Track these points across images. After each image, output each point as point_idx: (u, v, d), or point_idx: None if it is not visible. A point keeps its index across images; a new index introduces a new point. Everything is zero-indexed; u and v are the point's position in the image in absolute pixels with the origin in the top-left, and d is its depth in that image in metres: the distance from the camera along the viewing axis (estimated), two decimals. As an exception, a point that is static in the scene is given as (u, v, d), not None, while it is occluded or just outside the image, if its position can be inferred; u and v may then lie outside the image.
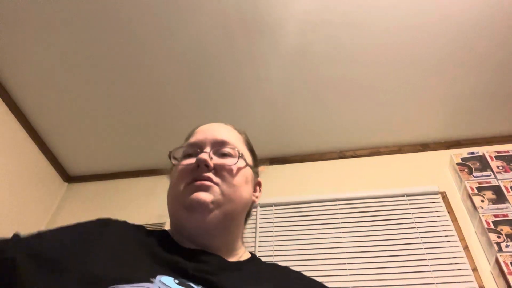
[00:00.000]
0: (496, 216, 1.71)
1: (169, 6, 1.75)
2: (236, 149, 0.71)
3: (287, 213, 2.00)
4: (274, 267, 0.71)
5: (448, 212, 1.84)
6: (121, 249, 0.57)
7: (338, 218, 1.92)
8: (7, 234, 0.56)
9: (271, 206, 2.02)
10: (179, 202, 0.66)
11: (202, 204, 0.63)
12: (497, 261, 1.58)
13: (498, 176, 1.85)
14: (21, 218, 2.12)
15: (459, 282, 1.62)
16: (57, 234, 0.59)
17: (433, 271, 1.67)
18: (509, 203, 1.74)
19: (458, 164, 1.93)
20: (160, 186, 2.33)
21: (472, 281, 1.61)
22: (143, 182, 2.37)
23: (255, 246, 1.88)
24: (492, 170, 1.87)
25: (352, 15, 1.74)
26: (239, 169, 0.70)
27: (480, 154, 1.95)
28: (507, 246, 1.61)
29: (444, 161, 2.04)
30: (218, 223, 0.65)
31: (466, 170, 1.90)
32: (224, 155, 0.70)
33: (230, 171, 0.68)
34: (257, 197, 0.76)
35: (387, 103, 2.03)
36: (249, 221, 0.75)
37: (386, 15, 1.73)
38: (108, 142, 2.31)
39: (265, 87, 2.00)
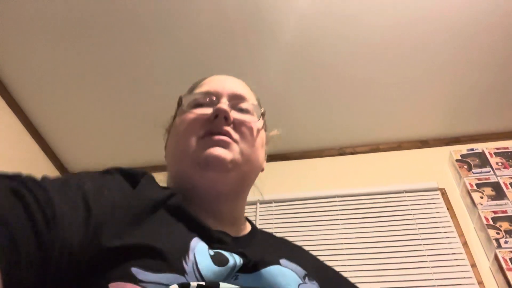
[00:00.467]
0: (495, 212, 1.71)
1: (169, 3, 1.75)
2: (256, 107, 0.63)
3: (287, 209, 2.00)
4: (275, 238, 0.67)
5: (447, 208, 1.84)
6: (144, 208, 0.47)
7: (337, 215, 1.92)
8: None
9: (271, 202, 2.03)
10: (190, 158, 0.56)
11: (220, 162, 0.54)
12: (496, 257, 1.59)
13: (497, 172, 1.85)
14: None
15: (458, 278, 1.63)
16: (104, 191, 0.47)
17: (432, 267, 1.67)
18: (508, 199, 1.75)
19: (457, 160, 1.93)
20: (162, 182, 2.33)
21: (471, 277, 1.62)
22: (142, 179, 2.37)
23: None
24: (491, 167, 1.87)
25: (352, 11, 1.73)
26: (258, 129, 0.62)
27: (480, 150, 1.95)
28: (506, 242, 1.61)
29: (443, 157, 2.05)
30: (233, 186, 0.58)
31: (465, 166, 1.90)
32: (242, 111, 0.61)
33: (250, 129, 0.60)
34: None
35: (387, 99, 2.03)
36: (249, 219, 0.70)
37: (386, 11, 1.73)
38: (108, 139, 2.31)
39: (264, 83, 1.99)
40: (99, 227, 0.41)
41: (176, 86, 2.03)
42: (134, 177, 0.53)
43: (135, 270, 0.38)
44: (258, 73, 1.96)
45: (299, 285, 0.51)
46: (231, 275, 0.45)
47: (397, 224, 1.84)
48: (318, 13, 1.75)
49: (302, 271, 0.54)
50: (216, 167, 0.55)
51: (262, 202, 2.03)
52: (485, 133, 2.12)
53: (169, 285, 0.38)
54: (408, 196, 1.92)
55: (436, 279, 1.63)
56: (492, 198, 1.76)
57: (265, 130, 0.68)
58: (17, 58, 1.98)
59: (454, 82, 1.94)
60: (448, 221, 1.80)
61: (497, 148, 1.94)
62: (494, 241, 1.62)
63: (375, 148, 2.20)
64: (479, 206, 1.74)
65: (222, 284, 0.41)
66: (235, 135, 0.58)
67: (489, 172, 1.86)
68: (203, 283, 0.40)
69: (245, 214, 0.67)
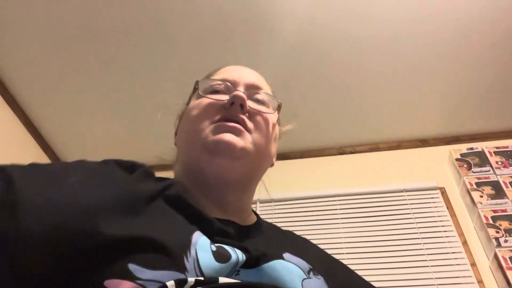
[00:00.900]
0: (495, 211, 1.71)
1: (169, 2, 1.74)
2: (273, 98, 0.62)
3: (287, 209, 2.00)
4: (280, 230, 0.66)
5: (447, 208, 1.84)
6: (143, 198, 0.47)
7: (337, 214, 1.93)
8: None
9: (271, 202, 2.03)
10: (200, 141, 0.55)
11: (230, 148, 0.53)
12: (495, 256, 1.59)
13: (497, 171, 1.85)
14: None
15: (458, 277, 1.63)
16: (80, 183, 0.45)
17: (432, 266, 1.67)
18: (508, 198, 1.75)
19: (457, 159, 1.94)
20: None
21: (470, 276, 1.62)
22: (142, 179, 2.37)
23: (254, 242, 1.89)
24: (491, 166, 1.87)
25: (352, 9, 1.73)
26: (273, 122, 0.61)
27: (479, 149, 1.95)
28: (505, 241, 1.61)
29: (443, 156, 2.05)
30: (241, 176, 0.56)
31: (465, 165, 1.90)
32: (258, 102, 0.60)
33: (266, 120, 0.58)
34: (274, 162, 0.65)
35: (387, 99, 2.03)
36: (255, 211, 0.68)
37: (386, 11, 1.73)
38: (108, 138, 2.31)
39: (264, 83, 2.00)
40: (93, 218, 0.40)
41: (176, 85, 2.03)
42: (130, 168, 0.53)
43: (132, 267, 0.37)
44: (258, 71, 1.96)
45: (303, 280, 0.49)
46: (233, 272, 0.44)
47: (397, 223, 1.84)
48: (318, 12, 1.75)
49: (306, 266, 0.52)
50: (226, 153, 0.53)
51: (262, 201, 2.03)
52: (484, 132, 2.12)
53: (167, 282, 0.37)
54: (408, 195, 1.92)
55: (436, 278, 1.64)
56: (492, 197, 1.76)
57: (279, 124, 0.67)
58: (17, 57, 1.97)
59: (454, 81, 1.94)
60: (448, 220, 1.80)
61: (497, 147, 1.94)
62: (493, 240, 1.62)
63: (375, 147, 2.20)
64: (478, 205, 1.74)
65: (221, 279, 0.40)
66: (250, 124, 0.56)
67: (488, 171, 1.86)
68: (201, 279, 0.39)
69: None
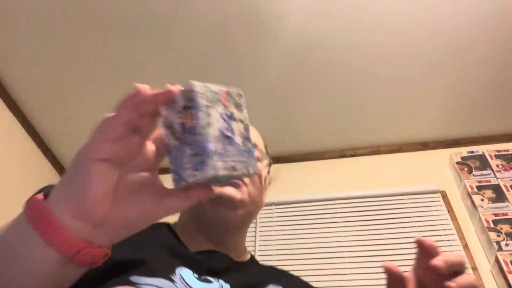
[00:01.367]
0: (495, 215, 1.71)
1: (169, 3, 1.75)
2: (264, 155, 0.72)
3: (287, 212, 2.00)
4: (274, 268, 0.72)
5: (448, 211, 1.84)
6: (138, 238, 0.56)
7: (338, 217, 1.92)
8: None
9: (271, 205, 2.03)
10: None
11: (231, 200, 0.62)
12: (496, 260, 1.59)
13: (498, 175, 1.85)
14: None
15: (459, 280, 1.62)
16: None
17: (433, 269, 1.67)
18: (509, 202, 1.74)
19: (458, 163, 1.93)
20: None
21: (471, 280, 1.61)
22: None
23: (255, 245, 1.88)
24: (492, 169, 1.87)
25: (353, 11, 1.73)
26: (264, 175, 0.71)
27: (480, 153, 1.95)
28: (506, 244, 1.61)
29: (444, 160, 2.05)
30: (239, 223, 0.66)
31: (466, 169, 1.90)
32: None
33: (259, 174, 0.69)
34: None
35: (387, 102, 2.03)
36: (250, 251, 0.77)
37: (386, 11, 1.73)
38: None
39: (263, 85, 2.00)
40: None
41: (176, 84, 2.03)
42: None
43: (133, 278, 0.47)
44: (259, 76, 1.97)
45: None
46: None
47: (397, 226, 1.84)
48: (318, 14, 1.75)
49: None
50: (227, 204, 0.62)
51: (262, 205, 2.03)
52: (485, 136, 2.12)
53: None
54: (408, 199, 1.92)
55: (436, 282, 1.63)
56: (493, 200, 1.76)
57: (268, 174, 0.78)
58: (15, 57, 1.98)
59: (454, 84, 1.94)
60: (449, 224, 1.80)
61: (498, 151, 1.94)
62: (494, 244, 1.62)
63: (376, 150, 2.20)
64: (479, 209, 1.74)
65: None
66: (246, 179, 0.66)
67: (489, 174, 1.86)
68: None
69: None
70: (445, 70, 1.89)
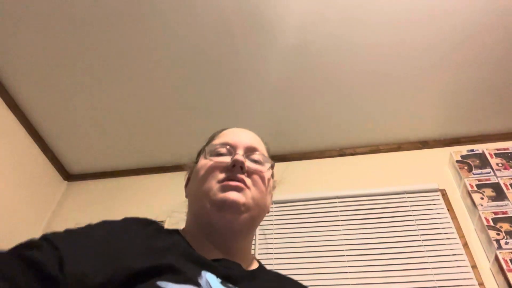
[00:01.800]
0: (495, 213, 1.71)
1: (169, 3, 1.75)
2: (266, 158, 0.74)
3: (287, 211, 2.00)
4: (282, 275, 0.74)
5: (448, 210, 1.84)
6: (156, 246, 0.58)
7: (338, 216, 1.92)
8: (6, 233, 0.57)
9: (271, 204, 2.02)
10: (208, 199, 0.65)
11: (235, 205, 0.63)
12: (496, 258, 1.59)
13: (498, 173, 1.85)
14: (20, 217, 2.12)
15: (459, 279, 1.62)
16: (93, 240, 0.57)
17: (432, 268, 1.67)
18: (509, 200, 1.74)
19: (457, 161, 1.93)
20: (161, 184, 2.33)
21: (471, 278, 1.61)
22: (144, 181, 2.37)
23: (255, 244, 1.88)
24: (491, 168, 1.87)
25: (352, 11, 1.73)
26: (268, 178, 0.72)
27: (480, 151, 1.95)
28: (506, 243, 1.61)
29: (443, 158, 2.05)
30: (245, 227, 0.66)
31: (465, 167, 1.90)
32: (254, 162, 0.71)
33: (262, 178, 0.70)
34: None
35: (387, 100, 2.03)
36: (257, 258, 0.77)
37: (385, 10, 1.73)
38: (108, 140, 2.31)
39: (264, 84, 2.00)
40: (123, 262, 0.52)
41: (176, 87, 2.04)
42: (145, 224, 0.64)
43: (160, 283, 0.48)
44: (259, 75, 1.96)
45: None
46: None
47: (397, 225, 1.83)
48: (318, 13, 1.75)
49: None
50: (231, 209, 0.63)
51: (262, 203, 2.03)
52: (485, 134, 2.12)
53: None
54: (408, 197, 1.92)
55: (436, 280, 1.63)
56: (493, 199, 1.76)
57: (273, 178, 0.79)
58: (15, 57, 1.98)
59: (454, 83, 1.94)
60: (449, 222, 1.80)
61: (497, 149, 1.94)
62: (494, 242, 1.62)
63: (375, 149, 2.20)
64: (479, 207, 1.74)
65: None
66: (248, 182, 0.67)
67: (489, 173, 1.86)
68: None
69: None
70: (444, 68, 1.89)
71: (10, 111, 2.12)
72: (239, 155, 0.68)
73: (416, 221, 1.83)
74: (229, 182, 0.65)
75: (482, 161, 1.91)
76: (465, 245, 1.71)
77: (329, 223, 1.91)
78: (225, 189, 0.65)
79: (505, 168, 1.86)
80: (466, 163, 1.91)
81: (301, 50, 1.87)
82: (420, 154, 2.13)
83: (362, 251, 1.78)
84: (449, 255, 1.70)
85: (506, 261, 1.56)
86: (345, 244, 1.81)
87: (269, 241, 1.90)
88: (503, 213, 1.71)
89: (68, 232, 0.56)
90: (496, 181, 1.82)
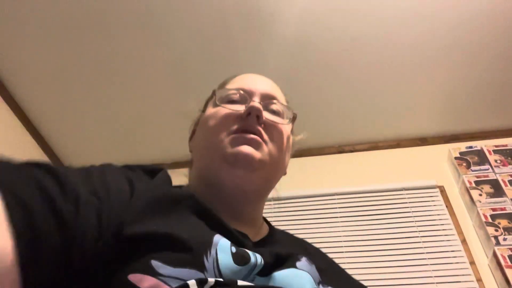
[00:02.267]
0: (494, 209, 1.71)
1: (168, 2, 1.74)
2: (287, 109, 0.63)
3: (286, 207, 2.00)
4: (296, 237, 0.67)
5: (446, 206, 1.84)
6: (161, 201, 0.48)
7: (337, 212, 1.93)
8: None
9: (270, 200, 2.03)
10: (218, 153, 0.56)
11: (249, 160, 0.54)
12: (494, 254, 1.59)
13: (496, 170, 1.85)
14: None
15: (457, 275, 1.63)
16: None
17: (431, 264, 1.68)
18: (507, 196, 1.75)
19: (456, 158, 1.94)
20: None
21: (469, 274, 1.62)
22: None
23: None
24: (490, 164, 1.88)
25: (351, 7, 1.73)
26: (287, 133, 0.62)
27: (478, 148, 1.95)
28: (504, 239, 1.62)
29: (442, 155, 2.05)
30: (258, 187, 0.58)
31: (464, 164, 1.90)
32: (273, 112, 0.61)
33: (280, 132, 0.59)
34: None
35: (385, 97, 2.03)
36: (266, 219, 0.70)
37: (384, 8, 1.72)
38: (108, 138, 2.30)
39: (263, 82, 1.99)
40: (120, 216, 0.42)
41: (175, 84, 2.03)
42: (152, 172, 0.54)
43: (155, 263, 0.39)
44: (257, 70, 1.96)
45: None
46: (249, 276, 0.45)
47: (396, 221, 1.84)
48: (317, 10, 1.74)
49: (317, 276, 0.53)
50: (244, 165, 0.54)
51: (261, 200, 2.03)
52: (484, 131, 2.12)
53: (188, 280, 0.38)
54: (407, 194, 1.92)
55: (435, 277, 1.64)
56: (491, 195, 1.76)
57: (292, 134, 0.68)
58: (15, 55, 1.97)
59: (453, 79, 1.94)
60: (447, 219, 1.80)
61: (496, 146, 1.94)
62: (492, 239, 1.62)
63: (374, 146, 2.20)
64: (478, 204, 1.74)
65: (240, 282, 0.41)
66: (265, 136, 0.57)
67: (488, 169, 1.86)
68: (221, 280, 0.40)
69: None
70: (443, 65, 1.89)
71: (11, 111, 2.12)
72: (256, 103, 0.57)
73: (415, 217, 1.83)
74: (243, 133, 0.55)
75: (481, 157, 1.91)
76: (464, 241, 1.72)
77: (328, 219, 1.91)
78: (238, 141, 0.55)
79: (503, 165, 1.87)
80: (464, 160, 1.92)
81: (299, 46, 1.86)
82: (419, 150, 2.13)
83: (360, 248, 1.78)
84: (447, 251, 1.71)
85: (504, 257, 1.57)
86: (344, 241, 1.82)
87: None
88: (501, 209, 1.71)
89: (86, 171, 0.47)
90: (495, 177, 1.83)
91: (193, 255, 0.41)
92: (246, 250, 0.46)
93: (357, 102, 2.05)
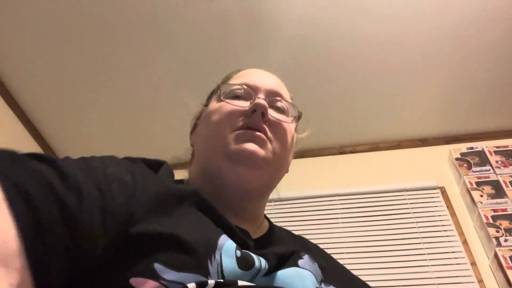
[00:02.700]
0: (495, 210, 1.71)
1: (169, 2, 1.74)
2: (292, 107, 0.63)
3: (287, 208, 2.00)
4: (294, 235, 0.67)
5: (447, 207, 1.84)
6: (166, 199, 0.47)
7: (337, 214, 1.92)
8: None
9: (270, 201, 2.03)
10: (222, 149, 0.55)
11: (253, 157, 0.53)
12: (495, 255, 1.59)
13: (497, 171, 1.85)
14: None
15: (458, 276, 1.63)
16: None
17: (432, 265, 1.67)
18: (508, 197, 1.75)
19: (457, 159, 1.93)
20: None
21: (471, 275, 1.62)
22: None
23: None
24: (491, 165, 1.87)
25: (351, 8, 1.73)
26: (291, 132, 0.62)
27: (479, 149, 1.95)
28: (505, 240, 1.61)
29: (443, 156, 2.05)
30: (260, 185, 0.57)
31: (465, 165, 1.90)
32: (278, 110, 0.61)
33: (285, 130, 0.59)
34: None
35: (386, 98, 2.03)
36: (266, 216, 0.69)
37: (384, 9, 1.72)
38: (109, 140, 2.30)
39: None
40: (124, 212, 0.41)
41: (175, 82, 2.03)
42: (155, 166, 0.54)
43: (157, 267, 0.38)
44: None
45: None
46: (253, 279, 0.44)
47: (397, 222, 1.84)
48: (319, 11, 1.74)
49: (320, 275, 0.53)
50: (248, 163, 0.54)
51: (262, 201, 2.03)
52: (484, 132, 2.12)
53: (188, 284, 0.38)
54: (408, 195, 1.92)
55: (436, 278, 1.64)
56: (492, 196, 1.76)
57: (296, 132, 0.68)
58: (15, 55, 1.97)
59: (454, 80, 1.94)
60: (448, 220, 1.80)
61: (497, 147, 1.94)
62: (494, 240, 1.62)
63: (375, 147, 2.20)
64: (479, 205, 1.74)
65: (240, 282, 0.40)
66: (270, 134, 0.57)
67: (489, 170, 1.86)
68: (221, 281, 0.39)
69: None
70: (444, 65, 1.89)
71: (11, 112, 2.12)
72: (261, 100, 0.57)
73: (416, 218, 1.83)
74: (247, 130, 0.55)
75: (482, 158, 1.91)
76: (465, 242, 1.71)
77: (329, 221, 1.91)
78: (242, 138, 0.54)
79: (504, 166, 1.86)
80: (465, 161, 1.91)
81: (299, 47, 1.86)
82: (420, 151, 2.13)
83: (361, 249, 1.78)
84: (448, 252, 1.70)
85: (505, 258, 1.56)
86: (344, 242, 1.81)
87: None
88: (503, 210, 1.71)
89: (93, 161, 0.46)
90: (496, 178, 1.82)
91: (197, 258, 0.40)
92: (251, 254, 0.45)
93: (357, 102, 2.05)
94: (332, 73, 1.95)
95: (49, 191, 0.36)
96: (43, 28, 1.85)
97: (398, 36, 1.80)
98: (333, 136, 2.21)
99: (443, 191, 1.90)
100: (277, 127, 0.58)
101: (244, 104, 0.58)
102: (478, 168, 1.87)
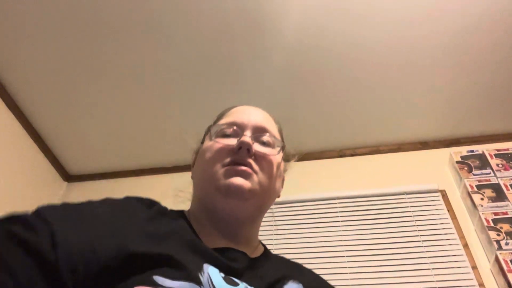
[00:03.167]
0: (495, 214, 1.71)
1: (170, 3, 1.75)
2: (277, 140, 0.69)
3: (287, 211, 2.00)
4: (288, 260, 0.72)
5: (448, 210, 1.84)
6: (158, 230, 0.54)
7: (338, 217, 1.92)
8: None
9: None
10: (213, 184, 0.62)
11: (240, 191, 0.60)
12: (496, 259, 1.59)
13: (498, 174, 1.85)
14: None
15: (459, 280, 1.62)
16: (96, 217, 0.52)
17: (432, 269, 1.67)
18: (509, 201, 1.74)
19: (457, 162, 1.93)
20: (161, 185, 2.33)
21: (471, 279, 1.61)
22: (144, 181, 2.37)
23: (255, 245, 1.88)
24: (491, 168, 1.87)
25: (352, 12, 1.73)
26: (277, 162, 0.67)
27: (480, 152, 1.95)
28: (506, 244, 1.61)
29: (443, 159, 2.04)
30: (251, 213, 0.63)
31: (465, 168, 1.90)
32: (263, 144, 0.67)
33: (269, 162, 0.65)
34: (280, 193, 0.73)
35: (387, 101, 2.03)
36: (262, 242, 0.75)
37: (386, 11, 1.73)
38: (108, 141, 2.31)
39: (264, 85, 2.00)
40: (123, 241, 0.48)
41: (178, 87, 2.04)
42: (149, 205, 0.61)
43: (156, 278, 0.44)
44: (259, 75, 1.96)
45: None
46: None
47: (397, 226, 1.83)
48: (319, 14, 1.75)
49: None
50: (236, 195, 0.60)
51: (262, 204, 2.02)
52: (485, 135, 2.12)
53: None
54: (408, 198, 1.91)
55: (436, 281, 1.63)
56: (493, 199, 1.76)
57: (284, 160, 0.74)
58: (17, 59, 1.98)
59: (454, 83, 1.94)
60: (449, 223, 1.79)
61: (498, 150, 1.94)
62: (494, 243, 1.62)
63: (375, 150, 2.20)
64: (479, 208, 1.74)
65: None
66: (256, 167, 0.63)
67: (489, 173, 1.85)
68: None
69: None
70: (444, 69, 1.89)
71: (10, 112, 2.12)
72: (246, 137, 0.64)
73: (416, 221, 1.83)
74: (234, 166, 0.61)
75: (482, 161, 1.91)
76: (465, 245, 1.71)
77: (329, 224, 1.90)
78: (230, 174, 0.61)
79: (505, 169, 1.86)
80: (466, 164, 1.91)
81: (300, 50, 1.87)
82: (420, 154, 2.13)
83: (362, 252, 1.77)
84: (449, 255, 1.70)
85: (506, 262, 1.56)
86: (345, 245, 1.81)
87: (269, 241, 1.90)
88: (503, 213, 1.70)
89: (66, 208, 0.52)
90: (496, 181, 1.82)
91: (190, 272, 0.47)
92: (234, 279, 0.52)
93: (358, 106, 2.05)
94: (332, 77, 1.95)
95: (31, 256, 0.42)
96: (43, 28, 1.86)
97: (398, 41, 1.81)
98: (333, 139, 2.21)
99: (444, 194, 1.90)
100: (262, 160, 0.64)
101: (233, 142, 0.64)
102: (479, 171, 1.87)
